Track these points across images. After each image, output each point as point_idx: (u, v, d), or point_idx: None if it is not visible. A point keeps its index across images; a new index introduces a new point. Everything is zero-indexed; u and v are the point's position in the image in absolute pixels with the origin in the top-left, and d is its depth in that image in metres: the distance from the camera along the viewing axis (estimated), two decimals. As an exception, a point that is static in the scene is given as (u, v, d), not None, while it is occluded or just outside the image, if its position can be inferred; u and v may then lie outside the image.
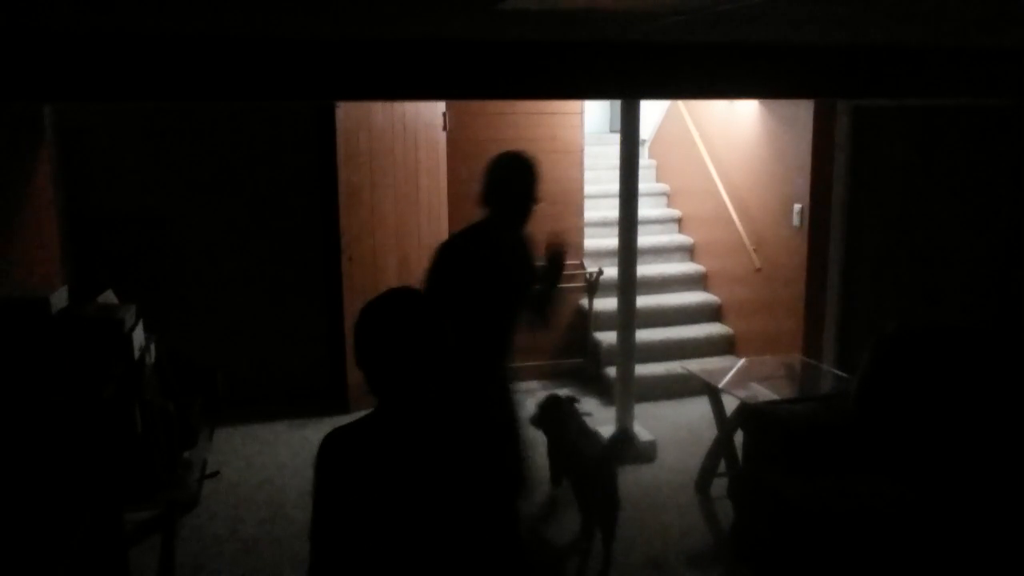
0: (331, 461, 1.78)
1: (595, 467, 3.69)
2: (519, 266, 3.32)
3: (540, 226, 6.18)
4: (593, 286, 6.17)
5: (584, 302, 6.31)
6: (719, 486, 4.36)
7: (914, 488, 3.32)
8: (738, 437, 4.19)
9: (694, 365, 5.41)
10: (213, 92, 3.12)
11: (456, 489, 1.77)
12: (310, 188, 5.64)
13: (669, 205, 7.29)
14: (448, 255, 3.19)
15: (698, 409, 4.93)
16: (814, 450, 3.57)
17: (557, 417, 4.15)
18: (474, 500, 1.78)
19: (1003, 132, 4.32)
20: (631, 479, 4.67)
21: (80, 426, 3.13)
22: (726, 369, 4.96)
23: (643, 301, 5.71)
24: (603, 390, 5.98)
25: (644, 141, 7.41)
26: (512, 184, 3.16)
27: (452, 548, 1.78)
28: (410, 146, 5.70)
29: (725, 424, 4.39)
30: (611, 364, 5.64)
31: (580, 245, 6.41)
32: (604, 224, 6.60)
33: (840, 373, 4.59)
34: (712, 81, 3.64)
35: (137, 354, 3.68)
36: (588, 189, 6.51)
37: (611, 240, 5.94)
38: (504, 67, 3.33)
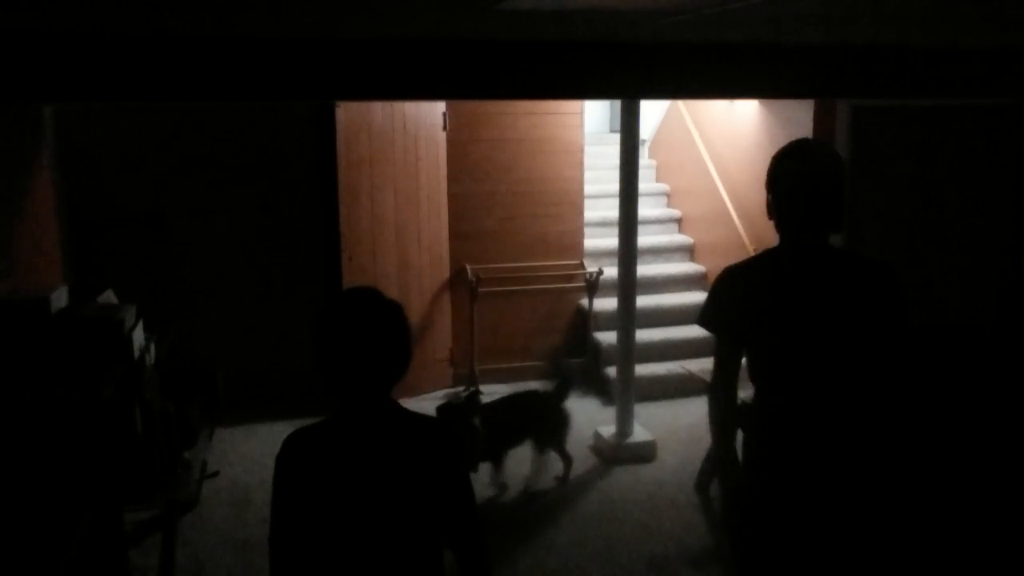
0: (290, 464, 1.75)
1: (541, 415, 4.45)
2: (826, 299, 2.21)
3: (540, 227, 6.27)
4: (593, 286, 6.18)
5: (584, 302, 6.31)
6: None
7: (914, 488, 3.32)
8: (738, 437, 4.18)
9: (694, 365, 5.41)
10: (213, 92, 3.12)
11: (409, 493, 1.74)
12: (310, 188, 5.64)
13: (669, 205, 7.29)
14: (723, 285, 2.35)
15: (698, 409, 4.91)
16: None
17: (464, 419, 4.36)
18: (427, 504, 1.76)
19: (1003, 132, 4.32)
20: (631, 479, 4.67)
21: (80, 426, 3.13)
22: (726, 369, 4.95)
23: (643, 301, 5.71)
24: (603, 390, 5.97)
25: (644, 141, 7.41)
26: (800, 184, 2.18)
27: (407, 552, 1.76)
28: (410, 146, 5.70)
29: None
30: (611, 364, 5.64)
31: (580, 245, 6.41)
32: (604, 224, 6.59)
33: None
34: (712, 81, 3.64)
35: (137, 354, 3.68)
36: (588, 189, 6.51)
37: (611, 240, 5.93)
38: (504, 67, 3.32)
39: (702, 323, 2.43)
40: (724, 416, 2.47)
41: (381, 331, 1.73)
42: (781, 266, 2.25)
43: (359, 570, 1.75)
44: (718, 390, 2.44)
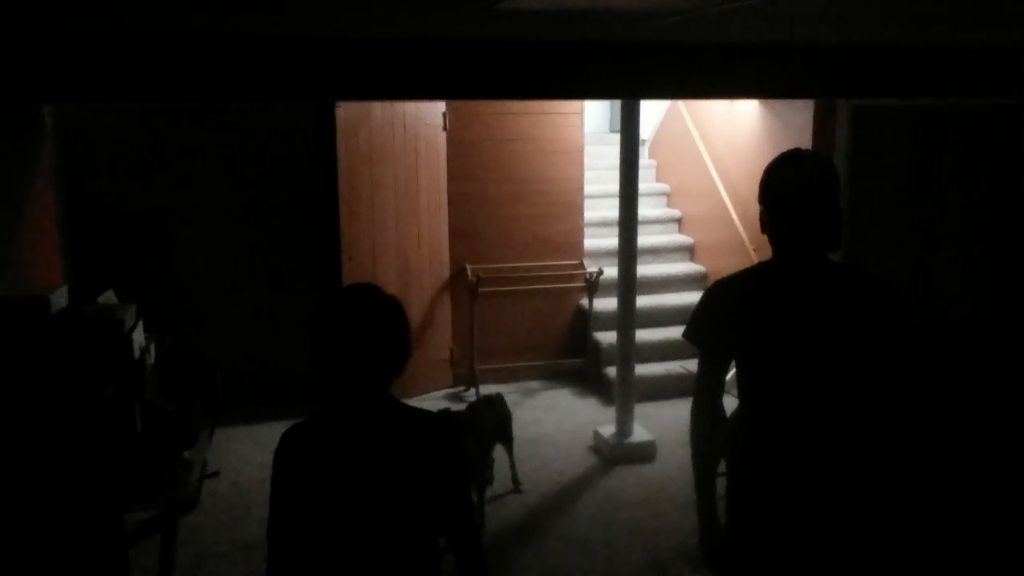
0: (287, 458, 1.76)
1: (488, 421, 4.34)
2: (820, 315, 2.11)
3: (540, 227, 6.27)
4: (593, 286, 6.17)
5: (584, 302, 6.31)
6: (719, 486, 4.36)
7: (914, 488, 3.32)
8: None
9: (694, 365, 5.41)
10: (213, 92, 3.12)
11: (405, 487, 1.75)
12: (310, 188, 5.64)
13: (669, 205, 7.29)
14: (712, 299, 2.27)
15: (698, 409, 4.95)
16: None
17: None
18: (423, 498, 1.76)
19: (1003, 132, 4.33)
20: (631, 479, 4.67)
21: (80, 426, 3.13)
22: (726, 369, 4.96)
23: (643, 301, 5.71)
24: (603, 390, 5.97)
25: (644, 141, 7.41)
26: (794, 193, 2.06)
27: (403, 546, 1.76)
28: (410, 146, 5.70)
29: (725, 424, 4.39)
30: (611, 364, 5.64)
31: (580, 245, 6.42)
32: (604, 224, 6.59)
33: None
34: (712, 81, 3.64)
35: (137, 354, 3.68)
36: (588, 189, 6.51)
37: (611, 240, 5.93)
38: (504, 67, 3.33)
39: (688, 335, 2.37)
40: (703, 435, 2.50)
41: (380, 326, 1.74)
42: (774, 280, 2.14)
43: (356, 564, 1.76)
44: (699, 404, 2.46)
